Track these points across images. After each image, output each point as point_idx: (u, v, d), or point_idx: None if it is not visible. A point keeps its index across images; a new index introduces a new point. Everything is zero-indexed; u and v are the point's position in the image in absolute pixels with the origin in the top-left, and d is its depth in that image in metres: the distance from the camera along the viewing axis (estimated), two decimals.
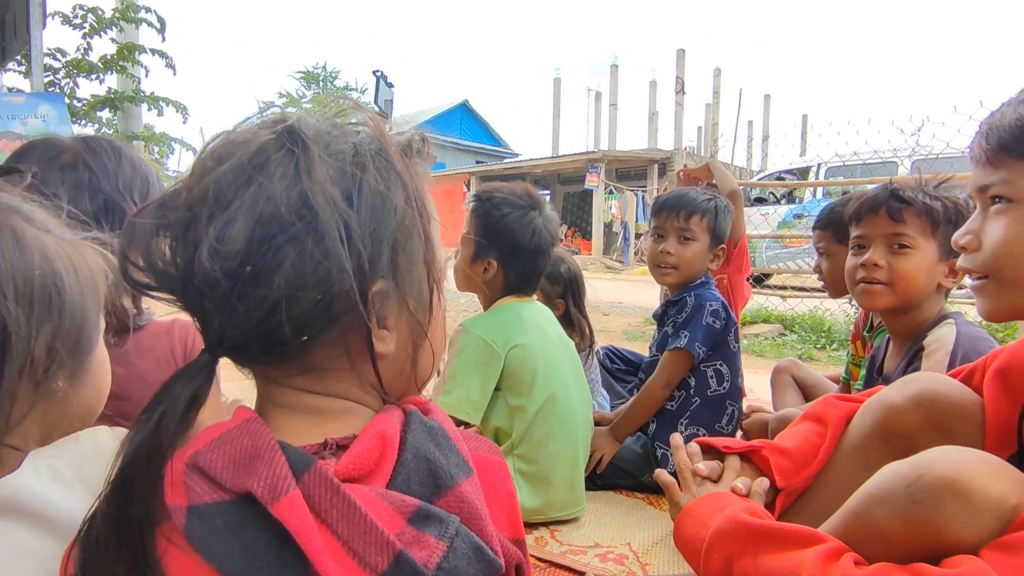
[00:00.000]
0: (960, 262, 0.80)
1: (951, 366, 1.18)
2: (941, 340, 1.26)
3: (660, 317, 1.82)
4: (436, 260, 0.53)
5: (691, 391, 1.67)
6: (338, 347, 0.48)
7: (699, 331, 1.63)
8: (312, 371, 0.48)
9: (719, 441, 1.02)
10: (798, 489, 0.99)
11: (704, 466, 0.96)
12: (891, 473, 0.71)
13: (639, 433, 1.71)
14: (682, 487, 0.95)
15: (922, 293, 1.31)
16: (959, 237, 0.78)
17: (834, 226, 1.74)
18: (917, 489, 0.66)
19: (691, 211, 1.71)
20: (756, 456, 1.00)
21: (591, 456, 1.62)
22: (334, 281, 0.44)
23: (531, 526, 1.42)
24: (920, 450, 0.72)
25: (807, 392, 1.99)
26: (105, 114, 5.36)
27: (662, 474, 0.98)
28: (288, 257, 0.44)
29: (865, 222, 1.35)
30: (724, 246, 1.77)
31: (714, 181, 2.30)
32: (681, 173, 2.45)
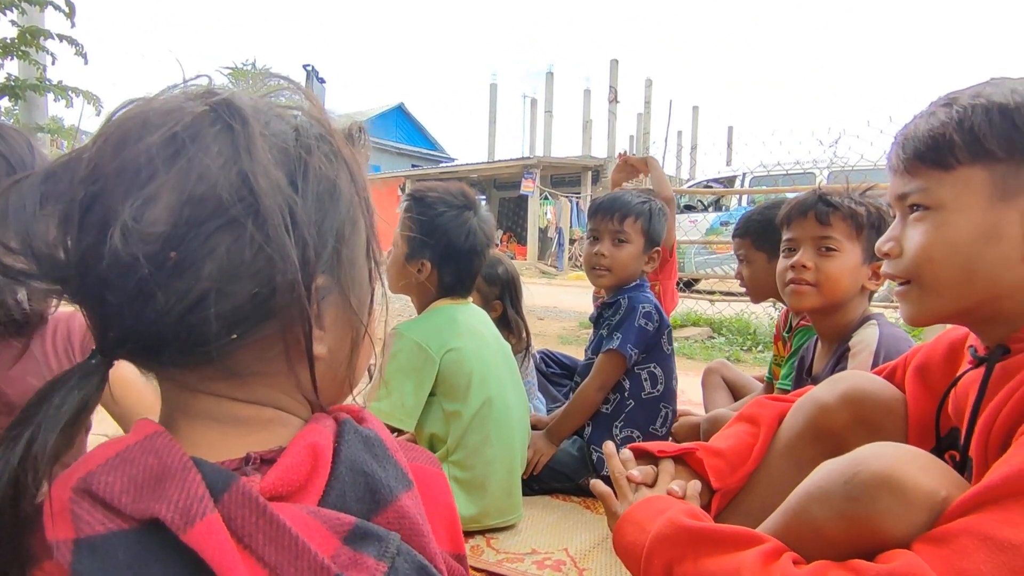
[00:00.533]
0: (884, 268, 0.82)
1: (874, 365, 1.23)
2: (865, 341, 1.31)
3: (596, 320, 1.82)
4: (379, 255, 0.49)
5: (625, 393, 1.67)
6: (270, 348, 0.42)
7: (631, 333, 1.64)
8: (236, 375, 0.42)
9: (652, 445, 1.01)
10: (733, 489, 1.00)
11: (638, 472, 0.95)
12: (827, 471, 0.71)
13: (575, 436, 1.70)
14: (618, 495, 0.93)
15: (847, 294, 1.36)
16: (882, 244, 0.81)
17: (752, 234, 1.79)
18: (853, 486, 0.67)
19: (625, 213, 1.72)
20: (690, 458, 1.00)
21: (528, 460, 1.60)
22: (276, 272, 0.39)
23: (467, 535, 1.38)
24: (849, 447, 0.73)
25: (736, 392, 2.05)
26: (4, 103, 4.95)
27: (597, 484, 0.96)
28: (223, 243, 0.38)
29: (795, 225, 1.40)
30: (659, 249, 1.77)
31: (649, 183, 2.34)
32: (620, 156, 2.44)
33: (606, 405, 1.68)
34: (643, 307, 1.67)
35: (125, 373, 0.45)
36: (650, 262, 1.77)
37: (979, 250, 0.71)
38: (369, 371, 0.52)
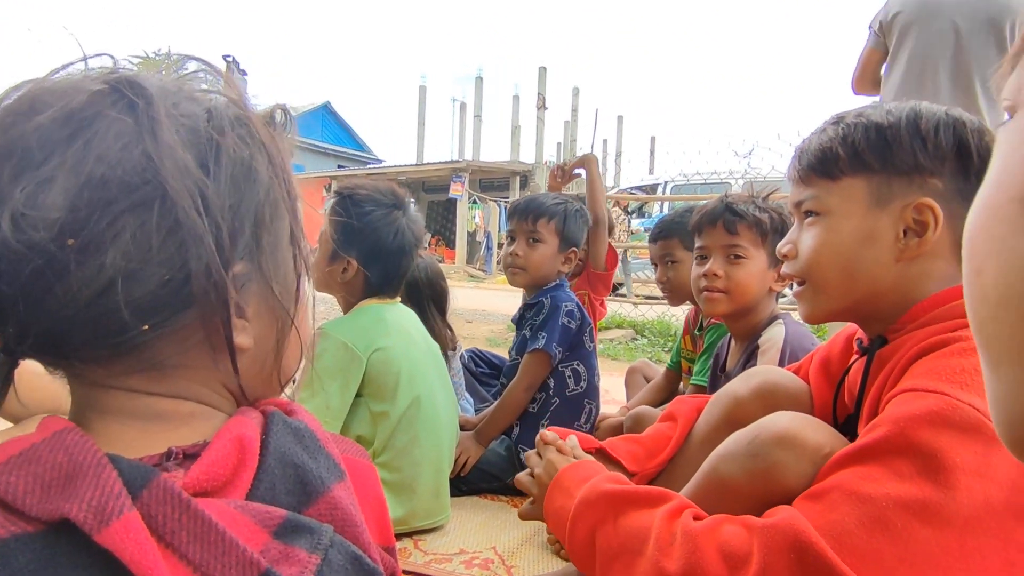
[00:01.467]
0: (783, 269, 0.91)
1: (782, 360, 1.32)
2: (773, 339, 1.40)
3: (518, 321, 1.84)
4: (303, 242, 0.47)
5: (551, 392, 1.70)
6: (189, 338, 0.41)
7: (556, 332, 1.67)
8: (153, 368, 0.40)
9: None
10: (651, 474, 1.05)
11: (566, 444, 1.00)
12: (736, 435, 0.81)
13: (503, 436, 1.71)
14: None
15: (756, 298, 1.45)
16: (781, 247, 0.89)
17: (680, 234, 1.86)
18: (755, 445, 0.76)
19: (539, 214, 1.75)
20: (606, 451, 1.06)
21: (456, 459, 1.60)
22: (190, 258, 0.38)
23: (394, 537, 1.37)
24: None
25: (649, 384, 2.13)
26: None
27: (521, 476, 1.00)
28: (127, 228, 0.36)
29: (705, 234, 1.48)
30: (575, 250, 1.80)
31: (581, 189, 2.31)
32: (554, 170, 2.37)
33: (533, 404, 1.70)
34: (565, 306, 1.70)
35: (31, 371, 0.42)
36: (567, 263, 1.79)
37: (859, 252, 0.80)
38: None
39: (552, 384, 1.70)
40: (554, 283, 1.78)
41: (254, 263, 0.43)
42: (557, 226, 1.75)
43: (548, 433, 1.02)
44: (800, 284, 0.87)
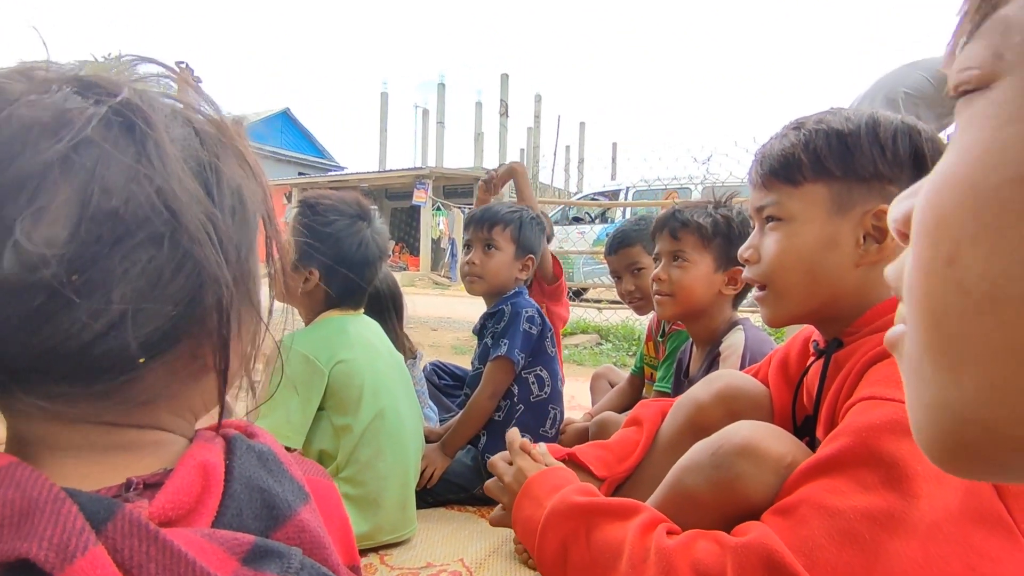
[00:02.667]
0: (745, 273, 0.91)
1: (743, 365, 1.35)
2: (734, 345, 1.44)
3: (479, 331, 1.83)
4: (280, 261, 0.47)
5: (515, 399, 1.70)
6: (178, 369, 0.39)
7: (517, 338, 1.67)
8: (133, 400, 0.38)
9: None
10: (620, 478, 1.06)
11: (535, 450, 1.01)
12: (698, 447, 0.81)
13: (469, 446, 1.70)
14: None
15: (702, 300, 1.49)
16: (743, 251, 0.89)
17: (642, 240, 1.89)
18: (718, 456, 0.76)
19: (494, 222, 1.76)
20: (574, 458, 1.06)
21: (422, 472, 1.58)
22: (205, 292, 0.37)
23: (359, 553, 1.34)
24: None
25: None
26: None
27: (489, 483, 1.01)
28: (137, 263, 0.35)
29: (657, 240, 1.54)
30: (532, 256, 1.80)
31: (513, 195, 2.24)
32: (481, 183, 2.31)
33: (498, 412, 1.70)
34: (526, 312, 1.71)
35: None
36: (524, 270, 1.79)
37: (820, 257, 0.81)
38: (252, 386, 0.49)
39: (516, 391, 1.70)
40: (513, 291, 1.78)
41: (242, 286, 0.42)
42: (513, 233, 1.76)
43: (515, 432, 1.02)
44: (761, 289, 0.87)
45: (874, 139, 0.78)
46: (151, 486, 0.38)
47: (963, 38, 0.24)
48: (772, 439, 0.76)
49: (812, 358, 0.88)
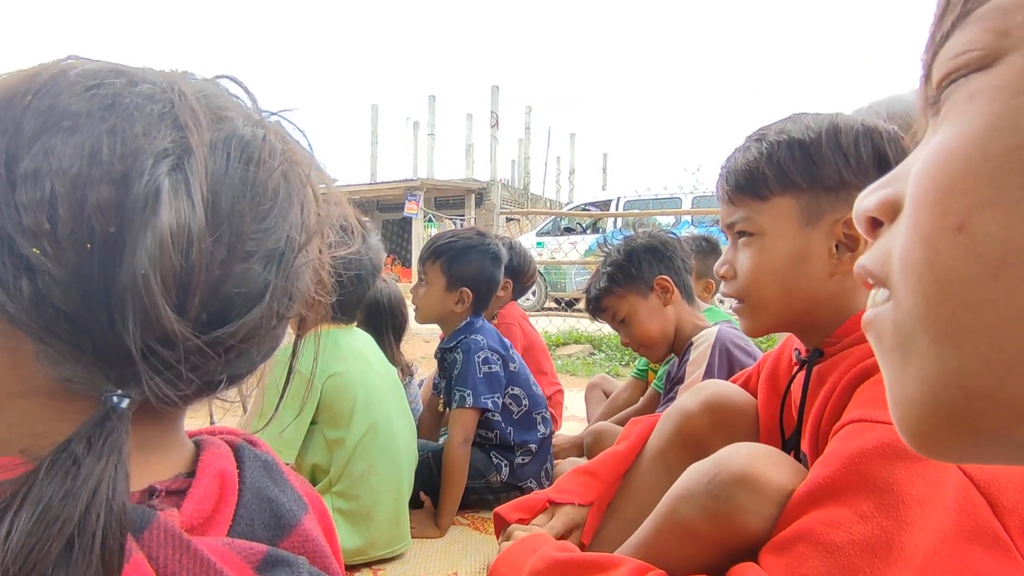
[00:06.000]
0: (723, 289, 0.91)
1: (713, 353, 1.42)
2: (705, 335, 1.51)
3: (440, 360, 1.75)
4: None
5: (503, 424, 1.68)
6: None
7: (477, 383, 1.60)
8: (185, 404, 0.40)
9: (515, 515, 1.06)
10: (609, 493, 1.06)
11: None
12: (693, 473, 0.77)
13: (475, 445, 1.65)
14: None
15: (663, 329, 1.61)
16: (719, 267, 0.89)
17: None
18: (715, 485, 0.72)
19: (426, 256, 1.71)
20: (554, 500, 1.06)
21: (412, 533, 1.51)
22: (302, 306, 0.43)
23: (352, 568, 1.34)
24: (711, 450, 0.79)
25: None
26: None
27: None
28: (304, 276, 0.42)
29: (600, 319, 1.70)
30: (466, 289, 1.68)
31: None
32: None
33: (490, 437, 1.68)
34: (479, 355, 1.63)
35: None
36: (459, 302, 1.69)
37: (794, 270, 0.80)
38: (244, 401, 0.50)
39: (499, 418, 1.67)
40: (463, 324, 1.70)
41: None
42: (443, 265, 1.69)
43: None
44: (739, 302, 0.88)
45: (836, 147, 0.78)
46: (172, 493, 0.39)
47: (944, 31, 0.25)
48: (771, 466, 0.72)
49: (795, 367, 0.89)
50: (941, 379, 0.24)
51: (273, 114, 0.43)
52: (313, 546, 0.43)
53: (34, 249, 0.32)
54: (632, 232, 1.71)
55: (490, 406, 1.61)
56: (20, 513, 0.29)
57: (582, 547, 1.02)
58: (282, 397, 0.51)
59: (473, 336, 1.67)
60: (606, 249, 1.68)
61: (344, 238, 0.46)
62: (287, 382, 0.51)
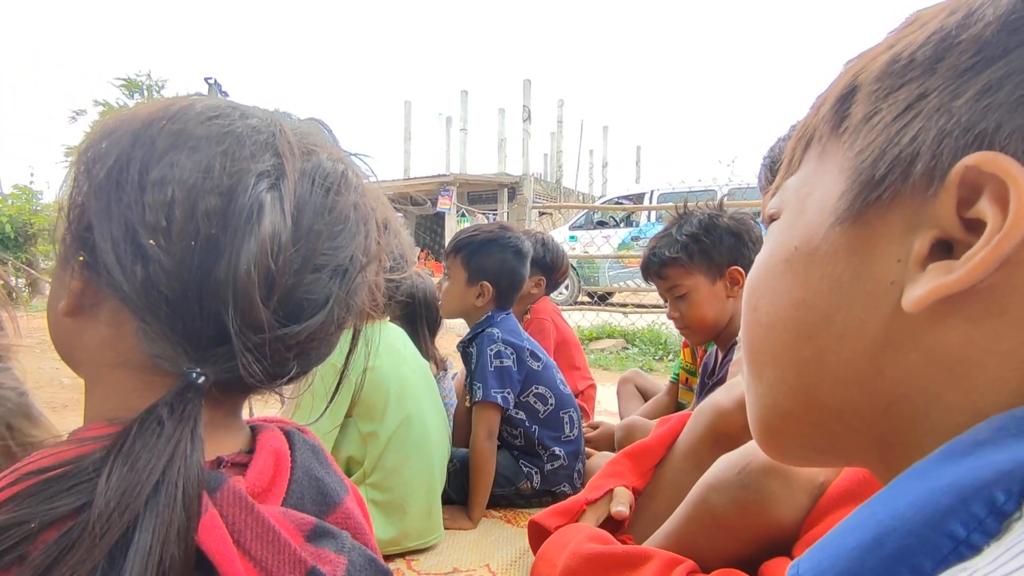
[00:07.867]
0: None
1: None
2: None
3: (462, 355, 1.75)
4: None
5: (527, 423, 1.66)
6: None
7: (488, 378, 1.59)
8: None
9: (554, 521, 1.04)
10: (640, 487, 1.05)
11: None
12: (723, 463, 0.78)
13: (503, 449, 1.67)
14: None
15: (718, 319, 1.50)
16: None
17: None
18: (745, 475, 0.73)
19: (449, 251, 1.72)
20: (591, 501, 1.05)
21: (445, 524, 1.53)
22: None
23: (386, 558, 1.36)
24: None
25: (649, 400, 2.14)
26: None
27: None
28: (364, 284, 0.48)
29: (652, 282, 1.59)
30: (486, 283, 1.68)
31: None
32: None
33: (516, 439, 1.67)
34: (491, 348, 1.62)
35: None
36: (480, 296, 1.69)
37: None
38: (280, 394, 0.53)
39: (523, 416, 1.66)
40: (484, 317, 1.70)
41: None
42: (463, 260, 1.69)
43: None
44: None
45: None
46: (236, 465, 0.44)
47: (775, 187, 0.38)
48: None
49: None
50: (757, 402, 0.35)
51: (353, 155, 0.50)
52: (355, 523, 0.48)
53: (151, 240, 0.39)
54: (716, 210, 1.56)
55: (499, 401, 1.58)
56: (116, 461, 0.36)
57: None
58: (332, 400, 0.58)
59: (489, 329, 1.66)
60: (683, 211, 1.55)
61: (399, 264, 0.51)
62: (338, 387, 0.58)
